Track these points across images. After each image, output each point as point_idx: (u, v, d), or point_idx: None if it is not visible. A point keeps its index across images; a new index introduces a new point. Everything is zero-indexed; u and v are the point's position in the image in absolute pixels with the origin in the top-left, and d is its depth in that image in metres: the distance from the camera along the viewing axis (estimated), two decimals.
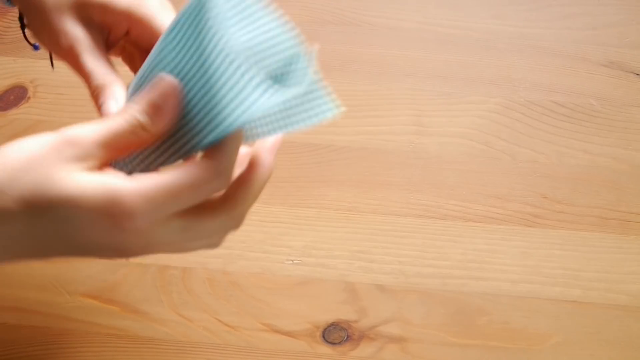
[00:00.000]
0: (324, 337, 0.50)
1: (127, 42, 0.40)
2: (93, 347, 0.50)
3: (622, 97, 0.62)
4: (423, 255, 0.54)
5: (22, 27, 0.42)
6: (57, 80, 0.63)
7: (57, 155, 0.28)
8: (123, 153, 0.31)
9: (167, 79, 0.30)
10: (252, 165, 0.32)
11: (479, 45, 0.66)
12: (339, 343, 0.50)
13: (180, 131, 0.31)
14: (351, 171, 0.58)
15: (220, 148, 0.29)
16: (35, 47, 0.44)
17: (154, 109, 0.30)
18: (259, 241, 0.54)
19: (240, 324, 0.51)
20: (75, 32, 0.37)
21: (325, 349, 0.50)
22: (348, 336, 0.50)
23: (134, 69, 0.42)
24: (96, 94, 0.36)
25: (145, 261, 0.53)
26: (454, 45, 0.66)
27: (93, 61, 0.37)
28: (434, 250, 0.54)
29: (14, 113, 0.61)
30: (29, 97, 0.62)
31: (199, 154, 0.30)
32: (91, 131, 0.29)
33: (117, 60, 0.40)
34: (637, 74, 0.64)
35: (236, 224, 0.33)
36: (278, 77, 0.30)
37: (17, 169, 0.28)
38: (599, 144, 0.60)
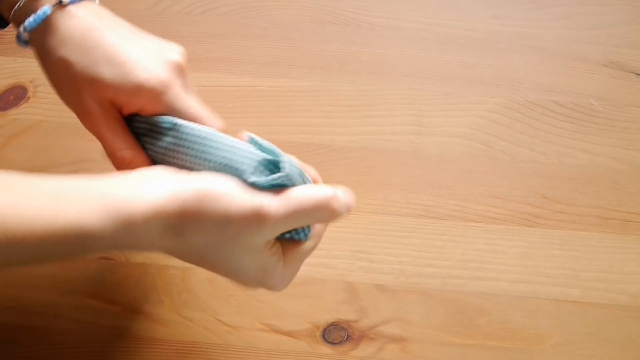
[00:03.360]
0: (324, 337, 0.50)
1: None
2: (93, 347, 0.50)
3: (622, 97, 0.62)
4: (423, 255, 0.54)
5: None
6: None
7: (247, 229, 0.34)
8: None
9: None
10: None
11: (479, 45, 0.66)
12: (339, 343, 0.50)
13: None
14: (351, 171, 0.58)
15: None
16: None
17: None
18: None
19: (241, 324, 0.51)
20: (93, 106, 0.39)
21: (325, 349, 0.50)
22: (348, 336, 0.50)
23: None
24: (122, 165, 0.38)
25: (146, 261, 0.53)
26: (454, 45, 0.66)
27: (112, 134, 0.39)
28: (434, 250, 0.54)
29: (14, 113, 0.61)
30: (28, 97, 0.62)
31: None
32: (279, 208, 0.34)
33: None
34: (638, 74, 0.64)
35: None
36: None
37: (214, 224, 0.33)
38: (599, 144, 0.60)
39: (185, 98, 0.39)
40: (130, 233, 0.32)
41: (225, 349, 0.50)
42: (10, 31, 0.45)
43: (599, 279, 0.53)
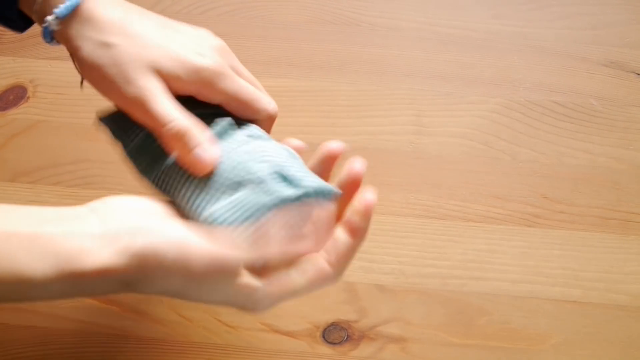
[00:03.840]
0: (324, 337, 0.50)
1: None
2: (93, 347, 0.50)
3: (622, 97, 0.62)
4: (423, 255, 0.54)
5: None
6: (56, 80, 0.63)
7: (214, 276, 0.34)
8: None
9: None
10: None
11: (479, 45, 0.66)
12: (339, 343, 0.50)
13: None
14: None
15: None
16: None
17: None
18: None
19: (241, 324, 0.51)
20: (148, 81, 0.37)
21: (325, 349, 0.50)
22: (348, 336, 0.50)
23: None
24: (177, 137, 0.36)
25: None
26: (454, 45, 0.66)
27: (167, 105, 0.37)
28: (434, 250, 0.54)
29: (14, 113, 0.61)
30: (28, 97, 0.62)
31: None
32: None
33: None
34: (638, 74, 0.64)
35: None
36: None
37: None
38: (599, 144, 0.60)
39: (239, 81, 0.40)
40: (78, 287, 0.32)
41: (225, 349, 0.50)
42: (10, 31, 0.45)
43: (599, 279, 0.53)
